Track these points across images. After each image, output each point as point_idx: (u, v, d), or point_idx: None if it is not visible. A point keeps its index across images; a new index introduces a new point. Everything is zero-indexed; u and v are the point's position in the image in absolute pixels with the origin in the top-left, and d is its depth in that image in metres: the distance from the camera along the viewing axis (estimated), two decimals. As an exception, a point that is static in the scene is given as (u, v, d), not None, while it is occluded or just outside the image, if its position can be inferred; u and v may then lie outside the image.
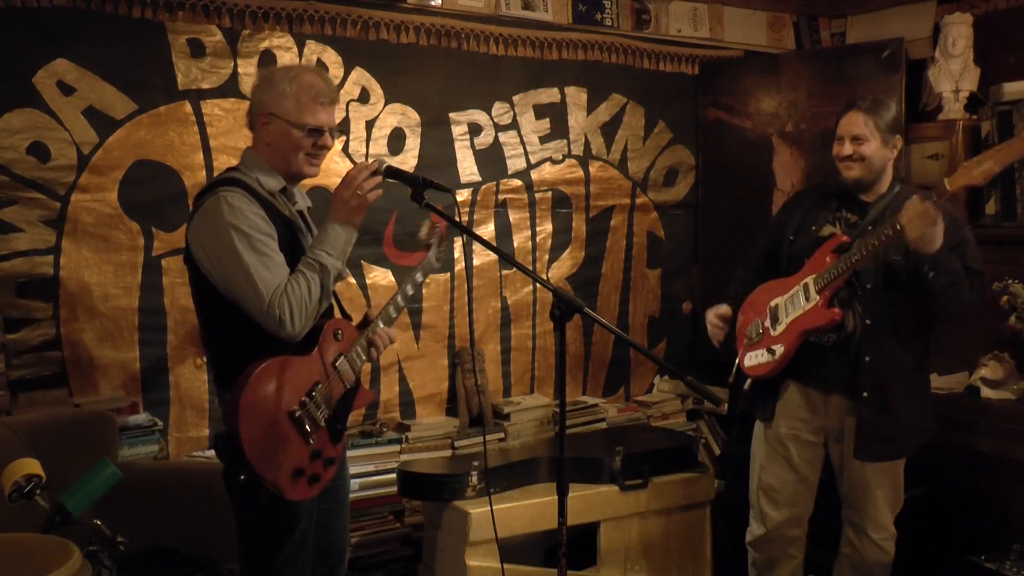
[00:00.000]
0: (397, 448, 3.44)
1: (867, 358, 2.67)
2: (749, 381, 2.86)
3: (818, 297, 2.68)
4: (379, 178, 2.15)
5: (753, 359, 2.85)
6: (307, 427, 2.07)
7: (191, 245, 2.12)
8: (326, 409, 2.14)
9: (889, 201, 2.71)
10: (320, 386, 2.13)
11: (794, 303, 2.75)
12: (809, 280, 2.72)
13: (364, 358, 2.27)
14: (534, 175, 3.87)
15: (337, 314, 2.36)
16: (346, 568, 2.45)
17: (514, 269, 3.77)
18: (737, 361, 2.92)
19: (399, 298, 2.40)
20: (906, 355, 2.71)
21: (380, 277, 3.54)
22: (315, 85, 2.16)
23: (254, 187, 2.13)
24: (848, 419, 2.75)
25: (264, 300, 2.01)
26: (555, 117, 3.90)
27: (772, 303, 2.83)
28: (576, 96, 3.94)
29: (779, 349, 2.75)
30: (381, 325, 2.33)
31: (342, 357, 2.21)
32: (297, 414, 2.06)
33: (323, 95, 2.16)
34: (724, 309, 2.94)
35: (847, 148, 2.71)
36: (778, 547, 2.92)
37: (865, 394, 2.68)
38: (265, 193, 2.15)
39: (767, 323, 2.82)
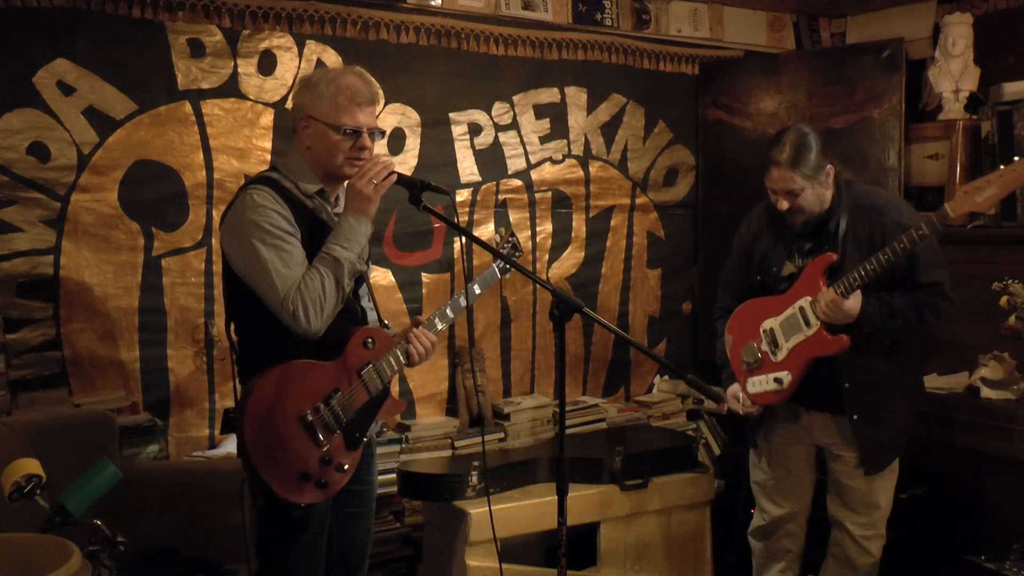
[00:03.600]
0: (397, 448, 3.45)
1: (846, 384, 2.66)
2: (758, 407, 2.79)
3: (819, 323, 2.62)
4: (393, 167, 2.14)
5: (758, 386, 2.78)
6: (319, 433, 2.07)
7: (222, 240, 2.15)
8: (344, 416, 2.12)
9: (848, 219, 2.64)
10: (340, 393, 2.11)
11: (792, 327, 2.68)
12: (805, 304, 2.65)
13: (396, 368, 2.22)
14: (534, 175, 3.87)
15: (374, 322, 2.31)
16: (366, 571, 2.44)
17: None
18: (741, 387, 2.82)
19: (448, 310, 2.35)
20: (887, 369, 2.69)
21: (380, 277, 3.54)
22: (352, 86, 2.14)
23: (287, 187, 2.13)
24: (841, 434, 2.74)
25: (279, 295, 2.02)
26: (555, 117, 3.90)
27: (765, 325, 2.75)
28: (576, 96, 3.94)
29: (786, 378, 2.69)
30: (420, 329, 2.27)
31: (370, 365, 2.18)
32: (309, 419, 2.05)
33: (360, 96, 2.13)
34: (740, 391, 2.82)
35: (784, 204, 2.62)
36: (775, 539, 2.95)
37: (855, 416, 2.67)
38: (300, 195, 2.15)
39: (764, 347, 2.75)
